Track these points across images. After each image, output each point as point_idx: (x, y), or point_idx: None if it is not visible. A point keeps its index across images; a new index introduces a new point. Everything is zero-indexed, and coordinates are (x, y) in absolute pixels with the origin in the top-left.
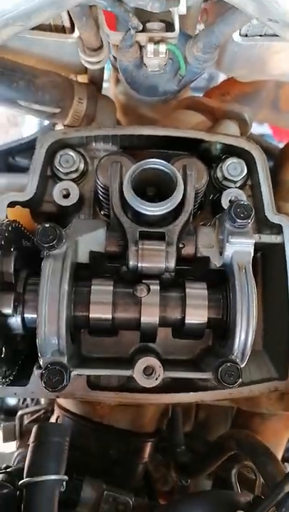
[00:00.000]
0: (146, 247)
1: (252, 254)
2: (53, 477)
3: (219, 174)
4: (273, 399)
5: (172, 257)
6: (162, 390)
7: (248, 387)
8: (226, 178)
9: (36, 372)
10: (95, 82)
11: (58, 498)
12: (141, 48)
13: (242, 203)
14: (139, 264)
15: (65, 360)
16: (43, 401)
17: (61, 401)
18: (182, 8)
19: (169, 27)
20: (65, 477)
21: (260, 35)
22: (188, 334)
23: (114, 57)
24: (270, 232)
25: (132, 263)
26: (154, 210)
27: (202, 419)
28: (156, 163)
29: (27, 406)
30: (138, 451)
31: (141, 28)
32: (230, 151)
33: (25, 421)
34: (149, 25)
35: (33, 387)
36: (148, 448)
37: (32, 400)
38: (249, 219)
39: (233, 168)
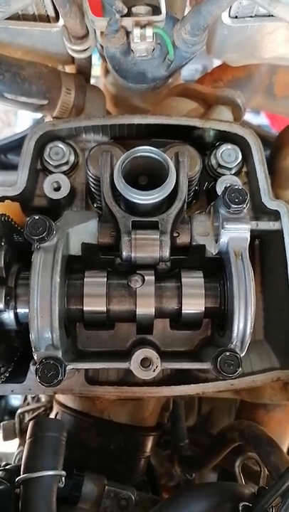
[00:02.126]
0: (139, 236)
1: (248, 240)
2: (50, 473)
3: (213, 161)
4: (277, 389)
5: (167, 245)
6: (162, 383)
7: (250, 378)
8: (220, 165)
9: (32, 368)
10: (83, 72)
11: (56, 493)
12: (128, 33)
13: (236, 187)
14: (133, 255)
15: (59, 354)
16: (43, 398)
17: (60, 397)
18: None
19: (156, 11)
20: (63, 472)
21: (251, 16)
22: (185, 325)
23: (101, 45)
24: (267, 219)
25: (125, 253)
26: (146, 198)
27: (205, 412)
28: (146, 150)
29: (28, 405)
30: (139, 446)
31: (126, 11)
32: (224, 137)
33: (26, 419)
34: (134, 9)
35: (29, 383)
36: (149, 442)
37: (33, 398)
38: (244, 204)
39: (228, 155)
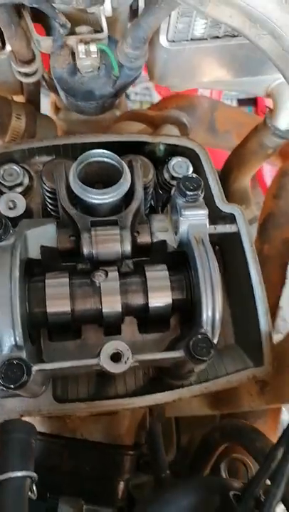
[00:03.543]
0: (99, 232)
1: (208, 226)
2: (19, 474)
3: (166, 175)
4: (254, 394)
5: (127, 240)
6: (135, 394)
7: (225, 378)
8: (173, 177)
9: None
10: (33, 101)
11: (27, 495)
12: (73, 55)
13: (190, 176)
14: (94, 251)
15: (23, 355)
16: None
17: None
18: (108, 8)
19: (98, 30)
20: (34, 474)
21: (187, 40)
22: (154, 322)
23: (49, 76)
24: (224, 223)
25: (86, 250)
26: (103, 198)
27: (185, 443)
28: (100, 154)
29: None
30: (117, 466)
31: (69, 25)
32: (174, 151)
33: None
34: (78, 28)
35: None
36: (128, 463)
37: None
38: (199, 190)
39: (179, 166)
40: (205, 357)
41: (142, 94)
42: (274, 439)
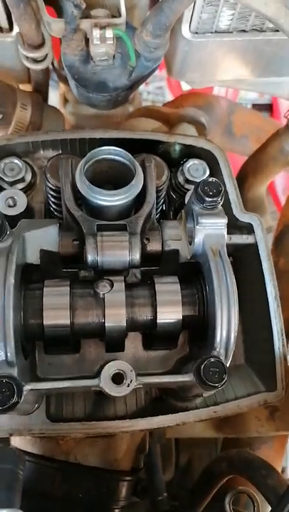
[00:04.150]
0: (106, 238)
1: (226, 237)
2: (4, 511)
3: (181, 178)
4: (263, 419)
5: (137, 247)
6: (136, 416)
7: (235, 403)
8: (188, 181)
9: None
10: (40, 91)
11: None
12: (87, 40)
13: (210, 180)
14: (99, 258)
15: (14, 372)
16: None
17: (16, 442)
18: None
19: (115, 15)
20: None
21: (211, 32)
22: (161, 340)
23: (58, 65)
24: (240, 233)
25: (90, 257)
26: (112, 199)
27: (184, 463)
28: (111, 151)
29: None
30: (112, 493)
31: (84, 6)
32: (190, 153)
33: None
34: (93, 12)
35: None
36: (124, 489)
37: None
38: (219, 197)
39: (195, 170)
40: (217, 383)
41: (155, 94)
42: (280, 466)
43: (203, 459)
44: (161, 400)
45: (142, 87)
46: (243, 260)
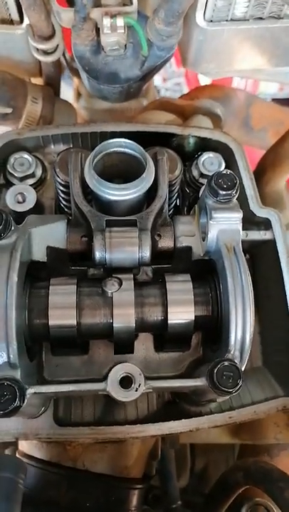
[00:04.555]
0: (114, 234)
1: (241, 233)
2: None
3: (195, 172)
4: (282, 425)
5: (147, 244)
6: (147, 421)
7: (252, 408)
8: (202, 175)
9: None
10: (52, 85)
11: None
12: (98, 30)
13: (224, 172)
14: (108, 256)
15: (17, 375)
16: None
17: (23, 447)
18: None
19: (127, 3)
20: None
21: (227, 20)
22: (172, 342)
23: (70, 57)
24: (257, 229)
25: (98, 254)
26: (122, 194)
27: (199, 469)
28: (121, 144)
29: None
30: (122, 502)
31: None
32: (205, 146)
33: None
34: (104, 0)
35: None
36: (135, 498)
37: None
38: (234, 190)
39: (210, 163)
40: (231, 389)
41: (173, 90)
42: None
43: (219, 465)
44: (174, 404)
45: (159, 84)
46: (260, 257)
